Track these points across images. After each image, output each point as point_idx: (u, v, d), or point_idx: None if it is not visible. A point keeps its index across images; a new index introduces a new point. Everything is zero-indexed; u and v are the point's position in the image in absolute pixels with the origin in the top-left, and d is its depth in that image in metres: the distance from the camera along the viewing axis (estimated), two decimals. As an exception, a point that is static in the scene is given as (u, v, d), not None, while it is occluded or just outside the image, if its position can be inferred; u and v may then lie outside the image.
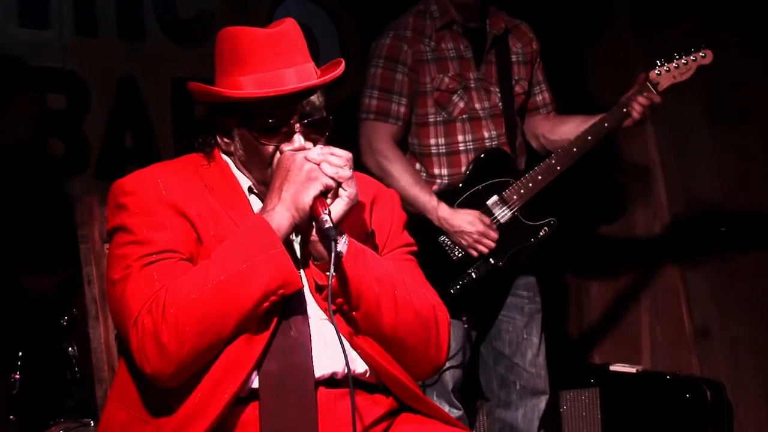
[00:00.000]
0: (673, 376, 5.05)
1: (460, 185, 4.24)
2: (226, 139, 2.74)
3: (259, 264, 2.48)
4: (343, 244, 2.57)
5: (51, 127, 4.85)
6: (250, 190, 2.73)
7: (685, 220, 5.55)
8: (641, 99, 4.20)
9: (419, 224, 4.15)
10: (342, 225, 2.59)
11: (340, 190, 2.58)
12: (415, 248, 2.90)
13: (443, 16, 4.28)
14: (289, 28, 2.68)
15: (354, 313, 2.62)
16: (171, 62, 5.15)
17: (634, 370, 5.16)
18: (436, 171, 4.27)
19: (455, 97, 4.25)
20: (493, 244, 4.15)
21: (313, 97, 2.66)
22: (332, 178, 2.56)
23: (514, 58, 4.39)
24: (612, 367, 5.21)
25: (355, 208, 2.64)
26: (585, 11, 5.52)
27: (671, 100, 4.40)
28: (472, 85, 4.28)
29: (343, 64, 2.74)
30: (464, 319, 4.20)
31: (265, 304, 2.50)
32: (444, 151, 4.27)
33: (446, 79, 4.25)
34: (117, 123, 5.03)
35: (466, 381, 4.36)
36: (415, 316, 2.67)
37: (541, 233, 4.25)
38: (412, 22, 4.29)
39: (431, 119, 4.26)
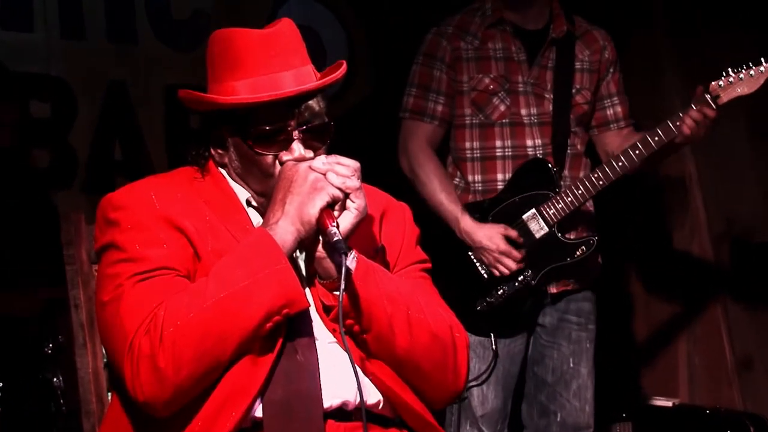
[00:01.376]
0: (712, 410, 5.02)
1: (497, 196, 4.25)
2: (219, 150, 2.73)
3: (262, 280, 2.47)
4: (351, 260, 2.55)
5: (34, 137, 4.85)
6: (248, 202, 2.72)
7: (724, 241, 5.54)
8: (693, 113, 4.11)
9: (451, 234, 4.19)
10: (350, 240, 2.58)
11: (348, 201, 2.57)
12: (429, 265, 2.89)
13: (494, 14, 4.30)
14: (285, 28, 2.68)
15: (365, 335, 2.60)
16: (164, 67, 5.16)
17: (670, 404, 5.13)
18: (470, 177, 4.29)
19: (495, 100, 4.26)
20: (514, 266, 4.14)
21: (313, 102, 2.65)
22: (339, 189, 2.55)
23: (578, 65, 4.37)
24: (647, 401, 5.19)
25: (363, 223, 2.63)
26: (614, 13, 5.52)
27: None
28: (520, 89, 4.28)
29: (345, 65, 2.73)
30: (492, 338, 4.19)
31: (268, 325, 2.48)
32: (478, 155, 4.28)
33: (486, 80, 4.26)
34: (106, 133, 5.03)
35: (503, 409, 4.34)
36: (430, 337, 2.65)
37: (578, 252, 4.23)
38: (459, 19, 4.34)
39: (467, 121, 4.28)
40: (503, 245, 4.14)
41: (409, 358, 2.64)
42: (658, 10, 5.63)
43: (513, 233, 4.17)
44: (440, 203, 4.22)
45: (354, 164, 2.60)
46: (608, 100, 4.46)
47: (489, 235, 4.16)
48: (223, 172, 2.75)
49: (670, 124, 4.14)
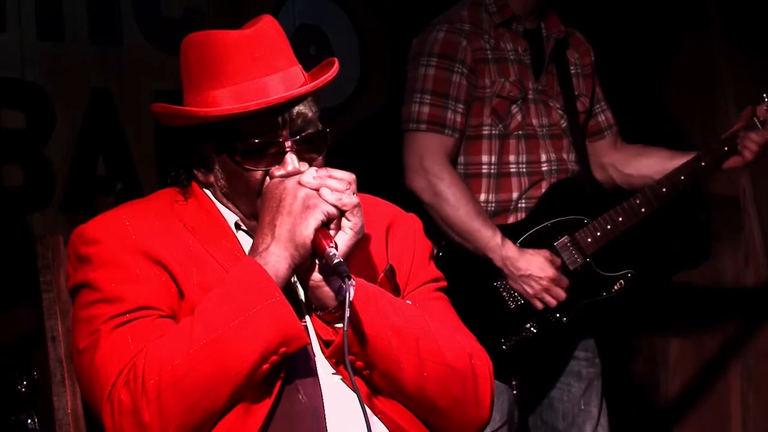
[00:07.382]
0: (770, 456, 5.04)
1: (524, 218, 4.24)
2: (203, 169, 2.75)
3: (254, 318, 2.47)
4: (349, 288, 2.56)
5: (7, 150, 4.86)
6: (237, 226, 2.74)
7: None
8: (754, 136, 4.16)
9: (471, 262, 4.17)
10: (349, 263, 2.56)
11: (344, 220, 2.58)
12: (444, 283, 2.90)
13: (502, 10, 4.28)
14: (266, 26, 2.68)
15: (369, 371, 2.62)
16: (153, 72, 5.15)
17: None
18: (482, 196, 4.27)
19: (514, 108, 4.26)
20: (563, 295, 4.14)
21: (305, 108, 2.66)
22: (334, 206, 2.56)
23: (572, 69, 4.40)
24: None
25: (364, 242, 2.64)
26: (662, 14, 5.54)
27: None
28: (530, 97, 4.29)
29: (337, 63, 2.74)
30: (514, 383, 4.18)
31: (265, 366, 2.49)
32: (495, 171, 4.26)
33: (507, 85, 4.26)
34: (87, 146, 5.02)
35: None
36: (445, 370, 2.66)
37: (615, 287, 4.23)
38: (468, 14, 4.30)
39: (486, 132, 4.27)
40: (552, 272, 4.13)
41: (421, 394, 2.65)
42: (712, 6, 5.63)
43: (558, 261, 4.17)
44: (476, 230, 4.15)
45: (348, 176, 2.61)
46: (598, 106, 4.52)
47: (539, 263, 4.13)
48: (209, 193, 2.77)
49: (718, 149, 4.20)
